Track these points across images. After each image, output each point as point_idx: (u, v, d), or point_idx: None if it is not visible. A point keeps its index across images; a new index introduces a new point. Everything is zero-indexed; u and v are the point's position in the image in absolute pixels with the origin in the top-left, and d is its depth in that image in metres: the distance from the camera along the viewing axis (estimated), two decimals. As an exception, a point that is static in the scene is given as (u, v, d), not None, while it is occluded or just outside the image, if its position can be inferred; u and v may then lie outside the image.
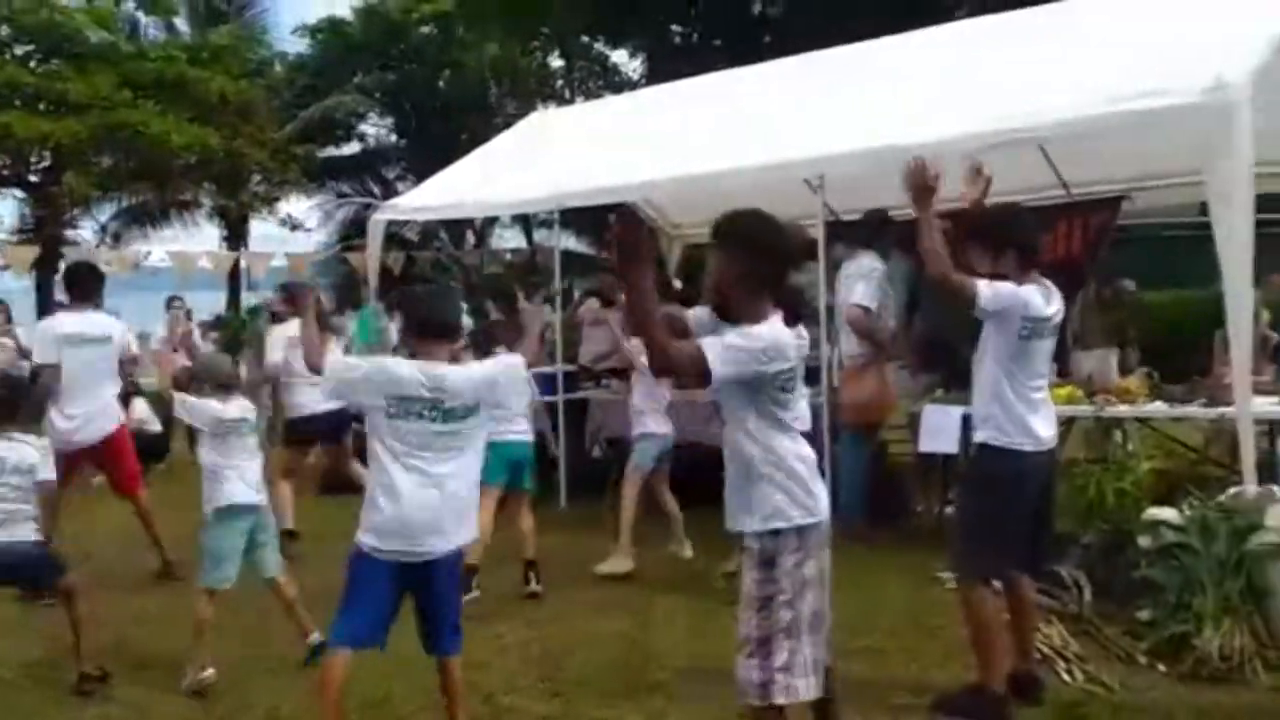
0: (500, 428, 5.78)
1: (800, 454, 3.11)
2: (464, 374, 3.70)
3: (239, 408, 4.81)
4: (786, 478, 3.06)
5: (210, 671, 4.56)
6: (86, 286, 6.56)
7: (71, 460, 6.17)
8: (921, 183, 3.91)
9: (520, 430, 5.94)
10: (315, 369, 3.89)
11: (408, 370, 3.59)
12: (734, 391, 3.05)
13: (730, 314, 3.12)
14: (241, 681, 4.60)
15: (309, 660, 4.59)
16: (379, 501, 3.57)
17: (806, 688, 3.04)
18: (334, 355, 4.56)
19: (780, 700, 3.03)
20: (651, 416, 6.44)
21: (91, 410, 6.31)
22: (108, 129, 17.92)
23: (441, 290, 4.25)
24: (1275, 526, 4.45)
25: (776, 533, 3.05)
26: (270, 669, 4.72)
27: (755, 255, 3.10)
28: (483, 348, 5.89)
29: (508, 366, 4.05)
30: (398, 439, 3.55)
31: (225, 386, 4.88)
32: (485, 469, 5.68)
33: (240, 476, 4.69)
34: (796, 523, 3.05)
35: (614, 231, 2.99)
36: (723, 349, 2.92)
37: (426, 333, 3.72)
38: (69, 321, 6.39)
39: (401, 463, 3.56)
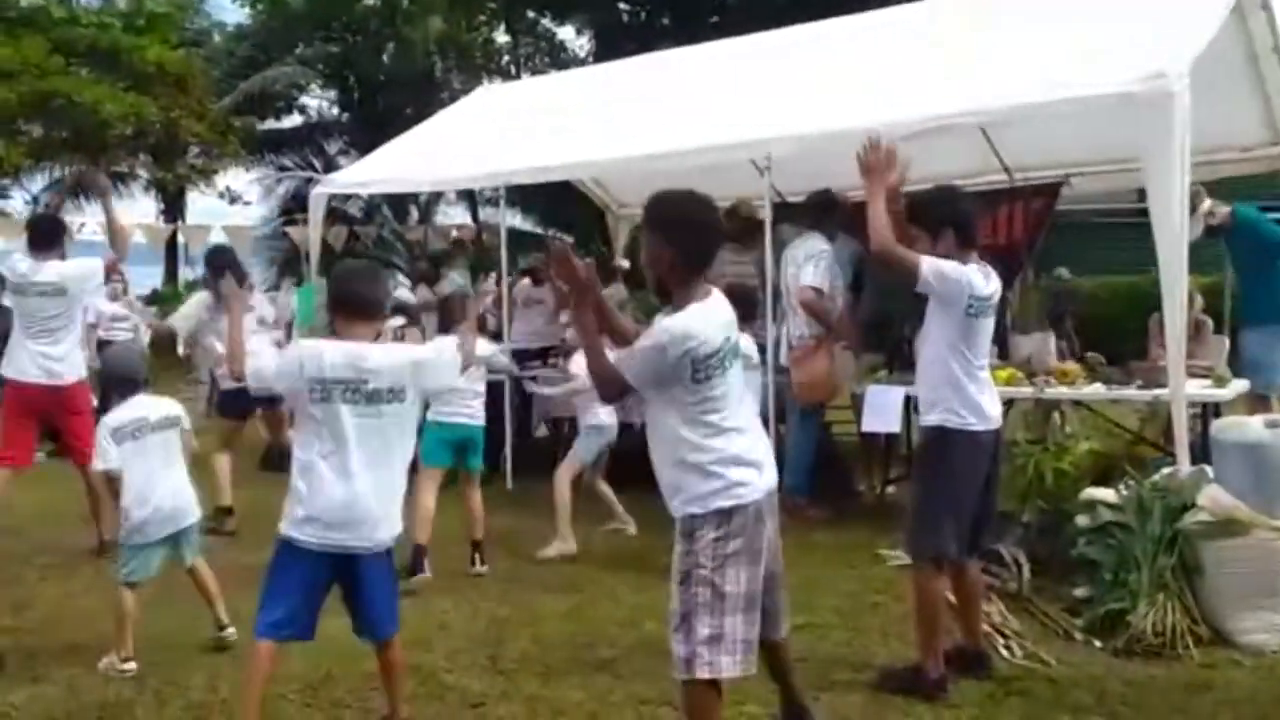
0: (446, 408, 5.74)
1: (713, 446, 3.07)
2: (387, 354, 3.53)
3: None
4: (701, 467, 3.08)
5: (131, 665, 4.45)
6: (43, 236, 6.42)
7: (23, 404, 6.10)
8: (873, 160, 3.99)
9: (468, 411, 5.82)
10: (239, 377, 3.81)
11: (329, 350, 3.44)
12: (648, 386, 3.12)
13: (667, 295, 3.18)
14: (176, 660, 4.52)
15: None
16: (299, 488, 3.43)
17: (732, 664, 3.04)
18: (257, 349, 4.18)
19: (703, 675, 3.03)
20: (604, 406, 6.37)
21: (48, 352, 6.20)
22: (39, 97, 17.43)
23: (366, 267, 4.05)
24: (1207, 506, 4.55)
25: (693, 515, 3.09)
26: (206, 649, 4.64)
27: (682, 235, 3.15)
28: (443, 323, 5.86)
29: (438, 348, 3.90)
30: (320, 423, 3.41)
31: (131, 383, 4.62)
32: (426, 449, 5.73)
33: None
34: (715, 506, 3.06)
35: (553, 271, 3.20)
36: (628, 356, 3.14)
37: (349, 311, 3.55)
38: (21, 268, 6.27)
39: (323, 449, 3.41)
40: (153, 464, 4.50)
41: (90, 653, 4.62)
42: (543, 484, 6.46)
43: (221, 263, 7.23)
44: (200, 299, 7.36)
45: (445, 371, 3.74)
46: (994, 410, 4.08)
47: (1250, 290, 6.86)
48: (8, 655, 4.58)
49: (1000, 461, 4.23)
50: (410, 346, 3.74)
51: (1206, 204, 6.41)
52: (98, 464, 4.53)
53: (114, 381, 4.76)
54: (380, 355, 3.49)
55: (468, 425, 5.83)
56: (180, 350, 6.67)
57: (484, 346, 5.92)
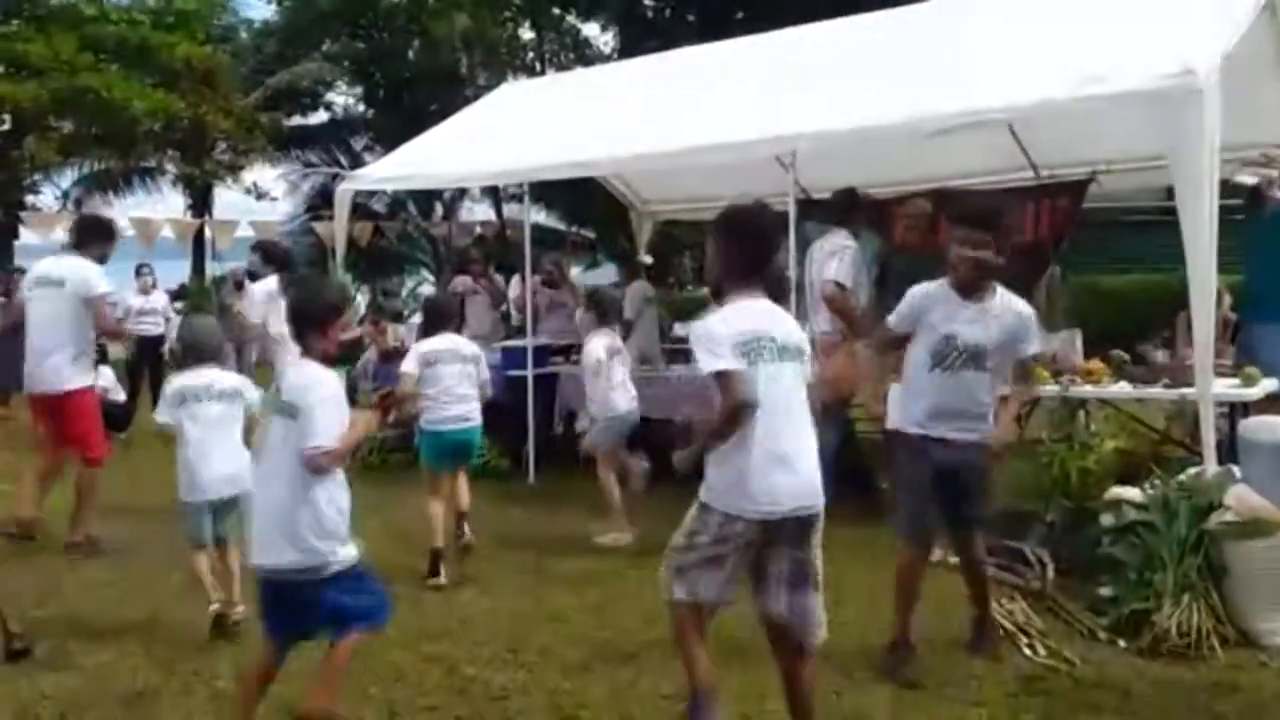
0: (432, 415, 5.71)
1: (733, 443, 3.20)
2: (300, 372, 3.45)
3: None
4: (721, 459, 3.24)
5: (241, 608, 4.64)
6: (81, 235, 6.40)
7: (35, 410, 6.23)
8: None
9: (453, 416, 5.72)
10: None
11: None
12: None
13: (719, 295, 3.39)
14: (203, 649, 4.57)
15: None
16: None
17: (692, 594, 3.28)
18: None
19: (677, 595, 3.30)
20: (616, 394, 6.39)
21: (38, 359, 6.10)
22: (69, 93, 17.58)
23: (312, 278, 3.91)
24: (1233, 506, 4.51)
25: (706, 505, 3.29)
26: (232, 638, 4.68)
27: (737, 243, 3.35)
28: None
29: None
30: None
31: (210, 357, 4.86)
32: (426, 458, 5.77)
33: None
34: (722, 509, 3.22)
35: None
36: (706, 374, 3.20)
37: (302, 323, 3.49)
38: (36, 266, 6.34)
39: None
40: (208, 430, 4.68)
41: (116, 641, 4.68)
42: (565, 478, 6.47)
43: (277, 255, 7.39)
44: (265, 287, 7.39)
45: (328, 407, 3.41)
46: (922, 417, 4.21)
47: (1269, 286, 6.60)
48: (36, 644, 4.63)
49: (966, 471, 4.15)
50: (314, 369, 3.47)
51: (1277, 173, 6.27)
52: (158, 416, 4.86)
53: (188, 347, 4.94)
54: (293, 372, 3.46)
55: (461, 430, 5.77)
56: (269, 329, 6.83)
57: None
